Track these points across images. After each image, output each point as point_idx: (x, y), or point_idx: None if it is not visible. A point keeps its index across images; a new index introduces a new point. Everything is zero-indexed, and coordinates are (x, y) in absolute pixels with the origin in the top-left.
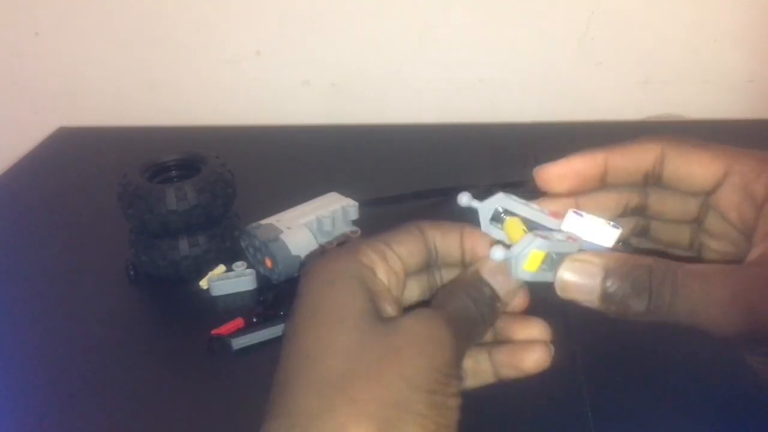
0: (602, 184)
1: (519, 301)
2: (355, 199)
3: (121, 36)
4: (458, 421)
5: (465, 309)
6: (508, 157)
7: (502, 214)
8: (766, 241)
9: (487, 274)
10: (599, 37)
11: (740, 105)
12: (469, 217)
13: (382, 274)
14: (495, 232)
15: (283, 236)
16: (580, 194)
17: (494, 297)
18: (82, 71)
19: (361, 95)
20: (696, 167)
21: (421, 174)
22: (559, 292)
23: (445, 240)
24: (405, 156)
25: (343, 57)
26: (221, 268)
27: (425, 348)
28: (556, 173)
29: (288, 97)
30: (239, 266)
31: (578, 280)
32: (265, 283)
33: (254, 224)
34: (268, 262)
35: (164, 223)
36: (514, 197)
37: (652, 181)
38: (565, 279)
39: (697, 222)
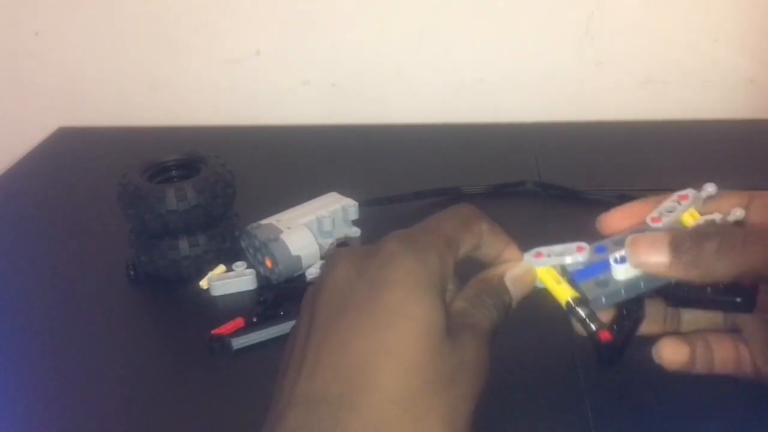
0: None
1: None
2: (355, 199)
3: (121, 36)
4: None
5: (492, 319)
6: (509, 157)
7: None
8: None
9: (509, 281)
10: (599, 37)
11: (740, 105)
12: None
13: (452, 277)
14: None
15: (283, 236)
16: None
17: (509, 305)
18: (82, 71)
19: (361, 95)
20: (725, 200)
21: (421, 174)
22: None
23: (492, 246)
24: (405, 156)
25: (343, 57)
26: (221, 268)
27: (475, 375)
28: (619, 216)
29: (288, 97)
30: (239, 266)
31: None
32: (265, 283)
33: (254, 224)
34: (268, 262)
35: (164, 223)
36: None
37: None
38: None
39: None
